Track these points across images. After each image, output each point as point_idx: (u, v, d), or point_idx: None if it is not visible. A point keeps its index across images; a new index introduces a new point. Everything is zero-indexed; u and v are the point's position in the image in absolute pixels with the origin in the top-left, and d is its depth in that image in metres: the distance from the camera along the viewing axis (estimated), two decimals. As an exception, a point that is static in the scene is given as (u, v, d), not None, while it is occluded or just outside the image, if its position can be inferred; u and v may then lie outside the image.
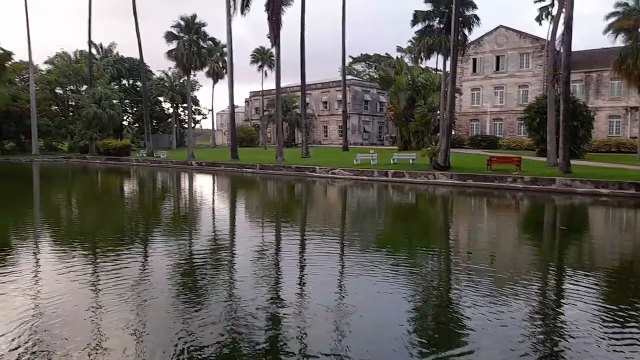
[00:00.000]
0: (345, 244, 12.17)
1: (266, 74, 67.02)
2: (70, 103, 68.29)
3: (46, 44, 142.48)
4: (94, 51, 66.50)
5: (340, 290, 8.13)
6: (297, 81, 46.42)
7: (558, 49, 28.67)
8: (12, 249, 11.41)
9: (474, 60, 56.48)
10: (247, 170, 36.31)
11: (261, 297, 7.45)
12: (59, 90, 68.28)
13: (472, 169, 27.39)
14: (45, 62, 70.82)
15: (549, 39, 30.71)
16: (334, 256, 10.69)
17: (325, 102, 74.19)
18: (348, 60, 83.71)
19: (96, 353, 5.38)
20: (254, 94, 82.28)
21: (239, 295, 7.71)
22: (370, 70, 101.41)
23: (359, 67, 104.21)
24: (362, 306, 7.04)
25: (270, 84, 67.40)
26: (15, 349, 5.47)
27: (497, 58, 55.32)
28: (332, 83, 72.78)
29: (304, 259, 10.52)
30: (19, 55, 63.35)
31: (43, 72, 68.15)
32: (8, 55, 59.98)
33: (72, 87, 68.03)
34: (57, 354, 5.35)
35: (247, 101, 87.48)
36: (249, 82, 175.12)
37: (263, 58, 65.95)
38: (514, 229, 15.52)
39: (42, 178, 35.52)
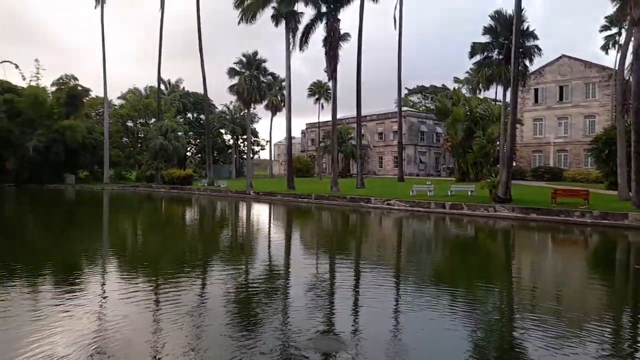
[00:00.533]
0: (401, 277, 12.00)
1: (322, 106, 68.58)
2: (139, 135, 72.81)
3: (119, 81, 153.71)
4: (162, 87, 70.97)
5: (397, 324, 7.99)
6: (353, 113, 47.05)
7: (627, 78, 27.37)
8: (82, 271, 12.21)
9: (536, 90, 54.95)
10: (303, 200, 36.81)
11: (314, 328, 7.44)
12: (129, 123, 73.15)
13: (535, 202, 26.27)
14: (119, 98, 76.54)
15: (617, 68, 29.42)
16: (389, 289, 10.57)
17: (380, 133, 74.39)
18: (404, 92, 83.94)
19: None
20: (310, 126, 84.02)
21: (292, 325, 7.70)
22: (426, 101, 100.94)
23: (414, 98, 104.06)
24: (419, 342, 6.90)
25: (326, 116, 68.71)
26: None
27: (561, 88, 53.51)
28: (387, 114, 73.08)
29: (359, 291, 10.45)
30: (95, 91, 68.82)
31: (116, 107, 73.44)
32: (86, 91, 65.33)
33: (141, 120, 72.67)
34: None
35: (303, 132, 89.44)
36: (306, 114, 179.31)
37: (320, 91, 67.62)
38: (583, 265, 14.66)
39: (112, 205, 37.78)
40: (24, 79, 62.55)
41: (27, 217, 27.65)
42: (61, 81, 63.06)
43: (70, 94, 61.60)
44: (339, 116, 46.21)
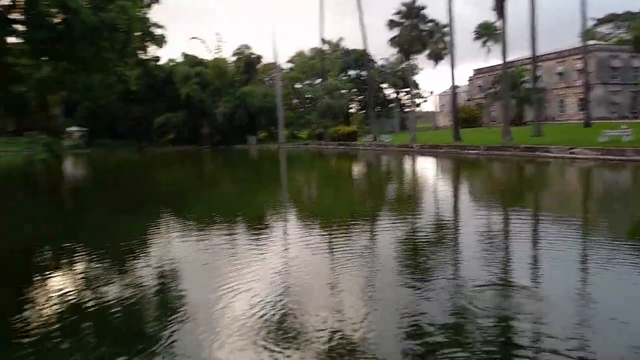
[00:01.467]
0: (592, 230, 10.75)
1: (490, 50, 63.36)
2: (307, 96, 77.12)
3: (286, 46, 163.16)
4: (325, 47, 73.34)
5: (584, 281, 7.22)
6: (526, 54, 42.48)
7: None
8: (267, 217, 13.77)
9: None
10: (471, 151, 35.09)
11: (486, 278, 7.08)
12: (298, 85, 77.79)
13: None
14: (287, 61, 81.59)
15: None
16: (575, 243, 9.61)
17: (560, 74, 65.89)
18: (589, 23, 72.17)
19: (332, 317, 5.97)
20: (477, 72, 78.56)
21: (464, 275, 7.43)
22: (619, 31, 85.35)
23: (603, 29, 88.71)
24: (610, 302, 6.09)
25: (495, 60, 63.40)
26: (263, 305, 6.49)
27: None
28: (569, 51, 64.10)
29: (540, 244, 9.69)
30: (266, 58, 74.36)
31: (285, 71, 78.56)
32: (258, 58, 71.17)
33: (308, 81, 76.64)
34: (296, 313, 5.97)
35: (470, 80, 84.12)
36: (470, 60, 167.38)
37: (487, 33, 62.36)
38: None
39: (288, 162, 41.38)
40: (210, 52, 70.85)
41: (222, 173, 32.11)
42: (238, 51, 69.70)
43: (247, 62, 67.89)
44: (509, 58, 42.15)
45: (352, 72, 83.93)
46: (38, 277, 8.34)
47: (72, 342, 5.50)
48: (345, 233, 10.94)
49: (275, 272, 7.75)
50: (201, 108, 64.30)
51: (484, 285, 6.69)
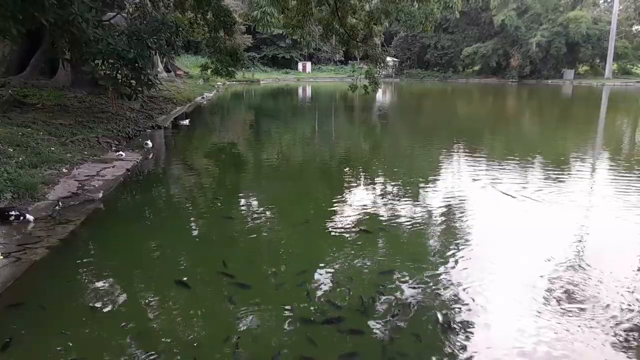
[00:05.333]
0: None
1: None
2: (656, 20, 61.59)
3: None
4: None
5: None
6: None
7: None
8: (572, 165, 12.22)
9: None
10: None
11: None
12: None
13: None
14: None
15: None
16: None
17: None
18: None
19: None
20: None
21: None
22: None
23: None
24: None
25: None
26: (558, 254, 6.08)
27: None
28: None
29: None
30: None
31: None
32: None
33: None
34: (581, 287, 5.27)
35: None
36: None
37: None
38: None
39: (612, 102, 35.02)
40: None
41: (526, 111, 29.96)
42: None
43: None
44: None
45: None
46: (344, 189, 10.09)
47: (363, 248, 6.57)
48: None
49: (576, 229, 7.12)
50: (514, 37, 59.62)
51: None
